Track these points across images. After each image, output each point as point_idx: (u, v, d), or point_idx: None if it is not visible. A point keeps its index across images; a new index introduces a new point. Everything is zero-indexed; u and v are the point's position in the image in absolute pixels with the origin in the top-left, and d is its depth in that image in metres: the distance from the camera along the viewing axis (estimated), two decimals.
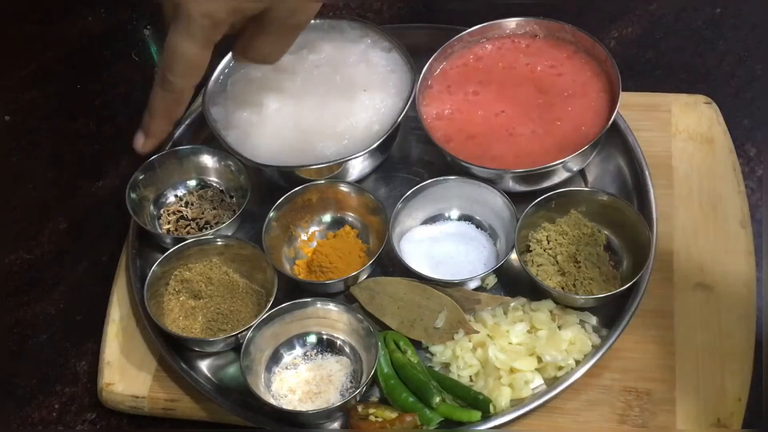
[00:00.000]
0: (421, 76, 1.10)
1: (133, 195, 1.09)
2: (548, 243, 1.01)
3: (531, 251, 1.01)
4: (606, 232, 1.02)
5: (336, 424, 0.95)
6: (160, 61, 1.05)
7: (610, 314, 0.97)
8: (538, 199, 1.01)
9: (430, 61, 1.11)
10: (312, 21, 1.17)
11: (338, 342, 0.99)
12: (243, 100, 1.11)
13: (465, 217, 1.07)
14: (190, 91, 0.91)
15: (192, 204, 1.13)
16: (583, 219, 1.02)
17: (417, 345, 0.98)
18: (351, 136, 1.06)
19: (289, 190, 1.06)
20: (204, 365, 1.00)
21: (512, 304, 0.98)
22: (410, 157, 1.14)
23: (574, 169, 1.07)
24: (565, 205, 1.02)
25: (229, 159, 1.10)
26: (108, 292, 1.08)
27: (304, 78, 1.12)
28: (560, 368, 0.94)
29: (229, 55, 1.15)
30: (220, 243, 1.04)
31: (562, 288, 0.98)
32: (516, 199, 1.02)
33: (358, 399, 0.93)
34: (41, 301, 1.12)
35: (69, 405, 1.03)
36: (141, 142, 0.96)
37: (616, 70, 1.06)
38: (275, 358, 0.98)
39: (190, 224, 1.11)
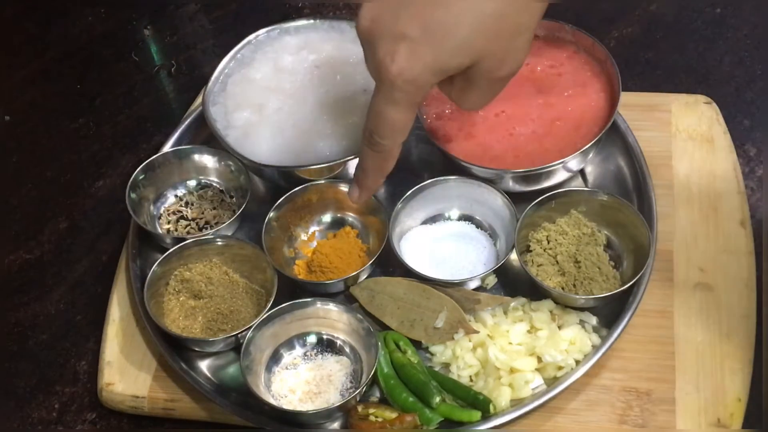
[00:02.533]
0: None
1: (133, 195, 1.09)
2: (548, 243, 1.01)
3: (531, 251, 1.01)
4: (606, 232, 1.02)
5: (336, 424, 0.95)
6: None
7: (610, 314, 0.97)
8: (538, 199, 1.01)
9: None
10: (312, 21, 1.18)
11: (338, 342, 0.99)
12: (243, 100, 1.11)
13: (465, 217, 1.07)
14: (398, 148, 0.89)
15: (192, 204, 1.13)
16: (583, 219, 1.02)
17: (417, 345, 0.98)
18: (351, 136, 1.06)
19: (289, 190, 1.06)
20: (204, 365, 1.00)
21: (512, 304, 0.98)
22: (410, 157, 1.14)
23: (574, 169, 1.07)
24: (565, 205, 1.02)
25: (229, 159, 1.10)
26: (108, 292, 1.08)
27: (304, 78, 1.12)
28: (560, 368, 0.94)
29: (229, 55, 1.16)
30: (220, 243, 1.04)
31: (562, 288, 0.98)
32: (516, 199, 1.02)
33: (358, 399, 0.93)
34: (41, 301, 1.12)
35: (69, 405, 1.03)
36: (356, 195, 0.94)
37: (616, 70, 1.05)
38: (275, 358, 0.98)
39: (190, 224, 1.11)
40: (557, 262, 1.00)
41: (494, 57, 0.81)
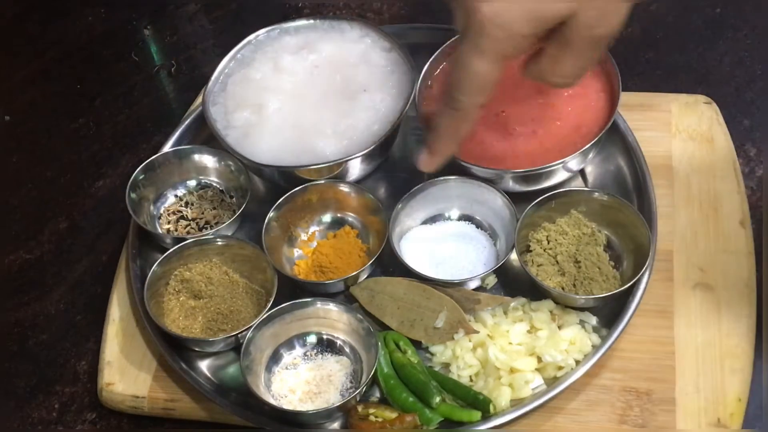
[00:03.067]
0: (421, 76, 1.10)
1: (133, 195, 1.09)
2: (548, 243, 1.01)
3: (531, 251, 1.01)
4: (606, 232, 1.02)
5: (336, 424, 0.95)
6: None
7: (610, 314, 0.97)
8: (538, 199, 1.01)
9: (430, 61, 1.11)
10: (312, 21, 1.18)
11: (338, 342, 0.99)
12: (243, 100, 1.11)
13: (465, 217, 1.07)
14: (476, 110, 0.85)
15: (192, 204, 1.13)
16: (583, 219, 1.02)
17: (417, 345, 0.98)
18: (351, 136, 1.06)
19: (289, 190, 1.06)
20: (204, 365, 1.00)
21: (512, 304, 0.98)
22: (410, 157, 1.14)
23: (574, 169, 1.07)
24: (565, 205, 1.02)
25: (229, 159, 1.10)
26: (108, 292, 1.08)
27: (304, 78, 1.12)
28: (560, 368, 0.94)
29: (229, 55, 1.16)
30: (220, 243, 1.04)
31: (562, 288, 0.98)
32: (516, 199, 1.02)
33: (358, 399, 0.93)
34: (41, 301, 1.12)
35: (69, 405, 1.03)
36: (426, 161, 0.91)
37: (616, 70, 1.05)
38: (275, 358, 0.98)
39: (190, 224, 1.11)
40: (557, 262, 1.00)
41: (594, 9, 0.76)
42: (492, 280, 1.02)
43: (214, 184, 1.14)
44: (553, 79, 0.83)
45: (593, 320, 0.97)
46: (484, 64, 0.79)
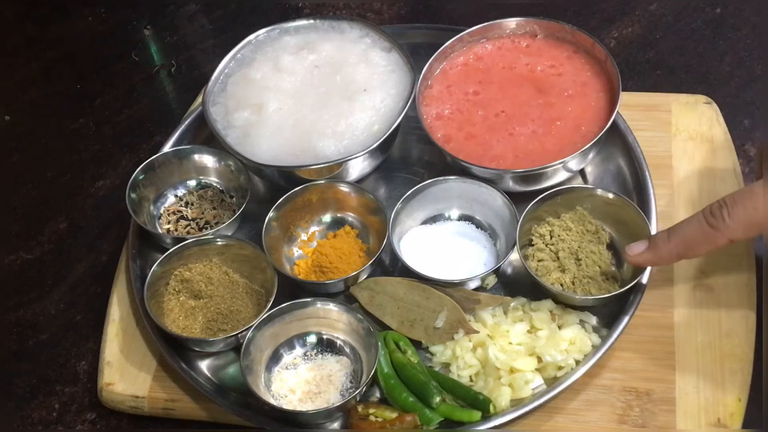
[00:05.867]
0: (421, 76, 1.10)
1: (133, 195, 1.09)
2: (551, 238, 1.01)
3: (533, 245, 1.01)
4: (609, 231, 1.02)
5: (336, 424, 0.95)
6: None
7: (610, 314, 0.97)
8: (543, 194, 1.01)
9: (430, 61, 1.11)
10: (312, 21, 1.18)
11: (338, 342, 0.99)
12: (243, 100, 1.11)
13: (465, 217, 1.07)
14: (727, 242, 0.87)
15: (192, 204, 1.13)
16: (588, 216, 1.02)
17: (417, 345, 0.98)
18: (351, 136, 1.06)
19: (289, 190, 1.06)
20: (204, 365, 1.00)
21: (512, 304, 0.98)
22: (410, 157, 1.14)
23: (574, 169, 1.07)
24: (570, 201, 1.02)
25: (229, 159, 1.11)
26: (108, 292, 1.08)
27: (304, 78, 1.12)
28: (560, 368, 0.94)
29: (229, 55, 1.16)
30: (220, 243, 1.04)
31: (561, 285, 0.98)
32: (516, 198, 1.02)
33: (358, 399, 0.93)
34: (41, 301, 1.12)
35: (69, 405, 1.03)
36: (639, 253, 0.91)
37: (616, 70, 1.06)
38: (275, 358, 0.98)
39: (190, 224, 1.11)
40: (558, 258, 1.00)
41: None
42: (492, 280, 1.02)
43: (214, 184, 1.14)
44: None
45: (593, 320, 0.97)
46: None
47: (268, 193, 1.12)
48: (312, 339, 0.99)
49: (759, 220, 0.85)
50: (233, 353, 1.01)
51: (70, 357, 1.07)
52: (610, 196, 1.01)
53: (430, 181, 1.05)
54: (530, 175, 1.03)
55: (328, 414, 0.93)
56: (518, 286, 1.01)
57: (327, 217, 1.10)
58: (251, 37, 1.17)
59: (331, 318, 0.98)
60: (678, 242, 0.90)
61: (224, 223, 1.07)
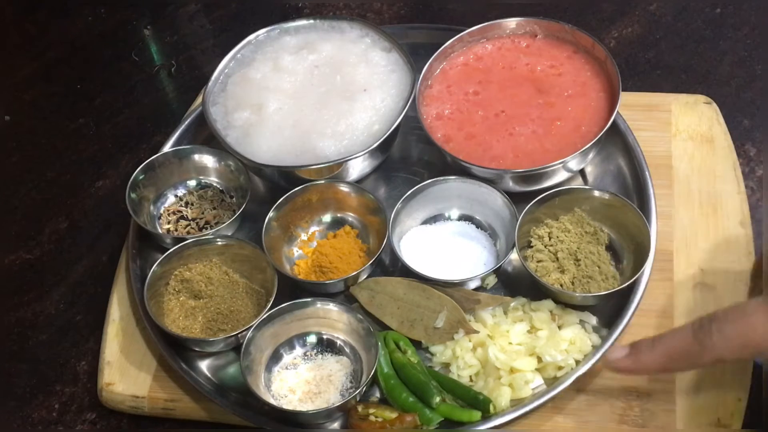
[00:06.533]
0: (421, 76, 1.10)
1: (133, 195, 1.09)
2: (549, 240, 1.01)
3: (532, 246, 1.01)
4: (608, 232, 1.02)
5: (336, 424, 0.95)
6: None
7: (610, 314, 0.97)
8: (541, 195, 1.01)
9: (430, 61, 1.11)
10: (312, 21, 1.18)
11: (338, 342, 0.99)
12: (243, 100, 1.11)
13: (465, 217, 1.07)
14: (713, 362, 0.79)
15: (192, 204, 1.13)
16: (586, 218, 1.02)
17: (417, 345, 0.98)
18: (351, 136, 1.06)
19: (289, 190, 1.06)
20: (204, 365, 1.00)
21: (512, 304, 0.98)
22: (410, 157, 1.14)
23: (574, 169, 1.07)
24: (568, 202, 1.02)
25: (229, 159, 1.11)
26: (108, 292, 1.08)
27: (304, 78, 1.12)
28: (560, 368, 0.94)
29: (229, 55, 1.16)
30: (220, 243, 1.04)
31: (561, 285, 0.98)
32: (516, 199, 1.02)
33: (358, 399, 0.93)
34: (41, 301, 1.12)
35: (69, 405, 1.03)
36: (620, 359, 0.84)
37: (616, 70, 1.06)
38: (275, 358, 0.98)
39: (190, 224, 1.11)
40: (557, 259, 1.00)
41: None
42: (492, 280, 1.02)
43: (214, 184, 1.14)
44: None
45: (593, 320, 0.97)
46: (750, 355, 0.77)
47: (268, 193, 1.12)
48: (312, 339, 0.99)
49: (754, 342, 0.76)
50: (233, 353, 1.01)
51: (70, 357, 1.07)
52: (609, 197, 1.01)
53: (430, 181, 1.05)
54: (530, 175, 1.03)
55: (328, 414, 0.93)
56: (518, 286, 1.01)
57: (327, 217, 1.10)
58: (251, 37, 1.17)
59: (331, 318, 0.98)
60: (662, 355, 0.82)
61: (224, 223, 1.07)
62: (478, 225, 1.06)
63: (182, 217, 1.12)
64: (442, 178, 1.05)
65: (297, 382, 0.97)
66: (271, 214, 1.05)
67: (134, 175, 1.10)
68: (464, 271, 1.02)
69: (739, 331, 0.77)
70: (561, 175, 1.05)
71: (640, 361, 0.83)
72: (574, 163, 1.05)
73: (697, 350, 0.79)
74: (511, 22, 1.14)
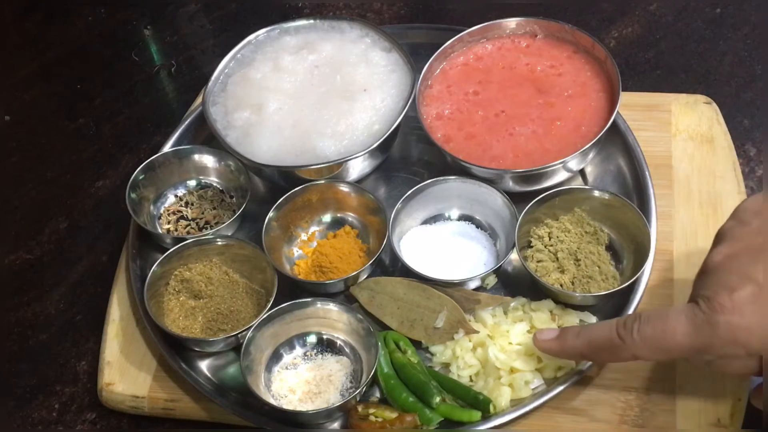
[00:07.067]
0: (421, 76, 1.10)
1: (133, 195, 1.09)
2: (549, 240, 1.01)
3: (532, 246, 1.01)
4: (608, 232, 1.02)
5: (336, 424, 0.95)
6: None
7: (610, 314, 0.96)
8: (541, 195, 1.01)
9: (430, 61, 1.11)
10: (312, 21, 1.18)
11: (338, 342, 0.99)
12: (243, 100, 1.11)
13: (465, 217, 1.07)
14: (633, 359, 0.83)
15: (192, 204, 1.13)
16: (586, 218, 1.02)
17: (417, 345, 0.98)
18: (351, 136, 1.06)
19: (289, 190, 1.06)
20: (204, 365, 1.00)
21: (512, 304, 0.98)
22: (410, 157, 1.14)
23: (574, 169, 1.07)
24: (568, 203, 1.02)
25: (229, 159, 1.11)
26: (108, 292, 1.08)
27: (304, 78, 1.12)
28: (560, 368, 0.94)
29: (229, 55, 1.16)
30: (220, 243, 1.04)
31: (561, 285, 0.98)
32: (516, 199, 1.02)
33: (358, 399, 0.93)
34: (41, 301, 1.12)
35: (69, 405, 1.03)
36: (546, 340, 0.89)
37: (616, 70, 1.06)
38: (275, 358, 0.98)
39: (190, 224, 1.11)
40: (557, 259, 1.00)
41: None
42: (492, 280, 1.02)
43: (214, 184, 1.14)
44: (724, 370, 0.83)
45: (593, 320, 0.97)
46: (684, 340, 0.79)
47: (268, 193, 1.12)
48: (312, 339, 0.99)
49: (669, 346, 0.80)
50: (233, 353, 1.01)
51: (70, 357, 1.07)
52: (609, 197, 1.01)
53: (430, 181, 1.05)
54: (530, 175, 1.03)
55: (328, 414, 0.93)
56: (518, 286, 1.01)
57: (327, 217, 1.10)
58: (251, 37, 1.17)
59: (331, 318, 0.98)
60: (585, 342, 0.87)
61: (224, 223, 1.07)
62: (478, 225, 1.06)
63: (182, 217, 1.12)
64: (442, 178, 1.05)
65: (297, 382, 0.97)
66: (271, 214, 1.05)
67: (134, 175, 1.10)
68: (464, 271, 1.02)
69: (657, 334, 0.81)
70: (561, 175, 1.05)
71: (565, 344, 0.88)
72: (574, 163, 1.05)
73: (618, 345, 0.83)
74: (511, 22, 1.14)
